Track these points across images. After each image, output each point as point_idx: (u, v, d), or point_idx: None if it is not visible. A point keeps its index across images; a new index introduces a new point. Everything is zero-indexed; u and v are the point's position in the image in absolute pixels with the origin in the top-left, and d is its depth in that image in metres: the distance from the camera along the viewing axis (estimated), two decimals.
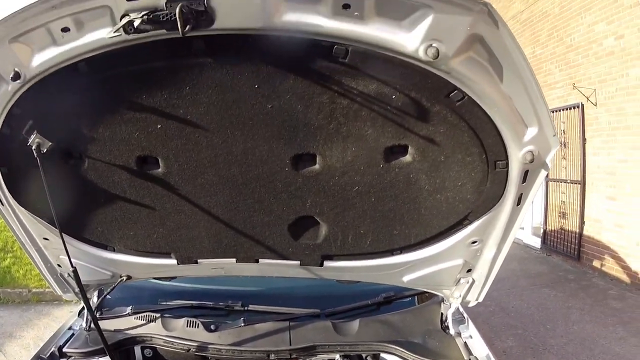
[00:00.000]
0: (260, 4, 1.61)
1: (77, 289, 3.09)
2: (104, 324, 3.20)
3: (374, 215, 2.47)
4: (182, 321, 3.24)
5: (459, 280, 2.91)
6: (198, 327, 3.19)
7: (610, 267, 8.37)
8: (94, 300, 3.38)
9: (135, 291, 3.58)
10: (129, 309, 3.36)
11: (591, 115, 8.89)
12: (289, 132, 2.07)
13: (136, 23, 1.62)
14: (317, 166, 2.24)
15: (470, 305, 3.12)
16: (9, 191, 2.45)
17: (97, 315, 3.24)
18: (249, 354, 3.04)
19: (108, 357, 2.98)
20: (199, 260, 2.87)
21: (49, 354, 2.98)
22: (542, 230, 10.65)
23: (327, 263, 2.82)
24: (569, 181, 9.54)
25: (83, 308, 3.43)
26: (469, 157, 2.12)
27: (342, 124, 2.02)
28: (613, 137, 8.32)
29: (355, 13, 1.61)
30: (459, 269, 2.79)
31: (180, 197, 2.44)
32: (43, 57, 1.85)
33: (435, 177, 2.23)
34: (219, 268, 2.97)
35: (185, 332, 3.17)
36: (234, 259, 2.83)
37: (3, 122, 2.10)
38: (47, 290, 8.31)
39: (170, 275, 3.18)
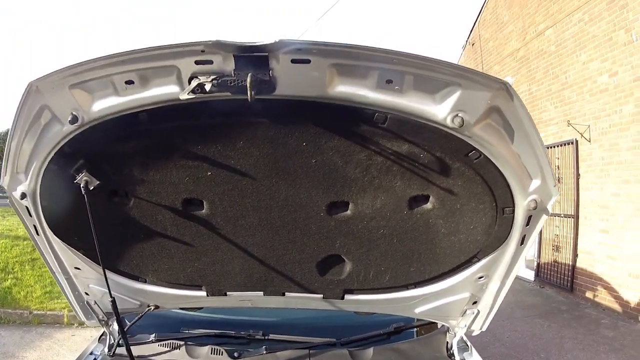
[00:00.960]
0: (318, 76, 1.83)
1: (100, 316, 3.21)
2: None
3: (395, 255, 2.69)
4: (206, 349, 3.33)
5: (465, 311, 3.10)
6: (222, 354, 3.28)
7: (603, 297, 8.50)
8: (115, 327, 3.41)
9: (156, 319, 3.60)
10: (152, 337, 3.42)
11: (585, 151, 9.09)
12: (328, 182, 2.29)
13: (207, 86, 1.80)
14: (348, 212, 2.46)
15: (474, 334, 3.30)
16: (47, 223, 2.54)
17: (120, 342, 3.26)
18: None
19: None
20: (228, 293, 3.02)
21: None
22: (535, 263, 10.79)
23: (347, 296, 3.01)
24: (562, 215, 9.72)
25: (103, 334, 3.52)
26: (481, 205, 2.36)
27: (375, 177, 2.26)
28: (606, 172, 8.50)
29: (396, 87, 1.87)
30: (465, 301, 2.99)
31: (220, 236, 2.61)
32: (103, 105, 2.00)
33: (451, 222, 2.48)
34: (246, 300, 3.11)
35: (209, 359, 3.27)
36: (262, 292, 2.99)
37: (51, 159, 2.22)
38: (48, 312, 8.37)
39: (198, 306, 3.30)
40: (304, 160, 2.18)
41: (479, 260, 2.68)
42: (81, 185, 2.24)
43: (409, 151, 2.13)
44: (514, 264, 2.68)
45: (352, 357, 3.31)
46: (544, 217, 2.39)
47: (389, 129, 2.02)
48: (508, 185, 2.24)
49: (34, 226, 2.56)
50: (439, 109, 1.93)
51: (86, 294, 3.05)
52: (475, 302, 3.01)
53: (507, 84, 1.87)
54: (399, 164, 2.19)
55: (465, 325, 3.21)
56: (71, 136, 2.11)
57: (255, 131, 2.08)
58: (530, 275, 11.04)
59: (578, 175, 9.18)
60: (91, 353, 3.41)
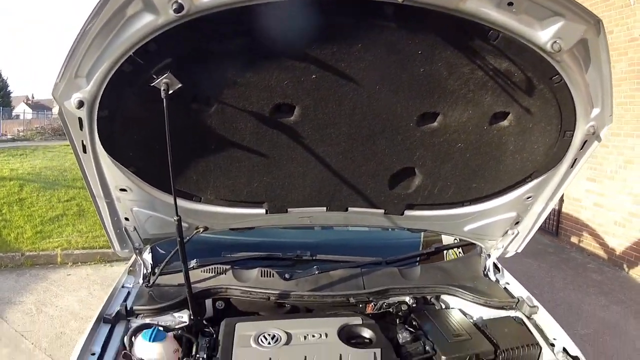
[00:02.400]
0: None
1: (136, 244, 3.11)
2: (165, 279, 3.24)
3: (463, 170, 2.80)
4: (255, 272, 3.28)
5: (506, 232, 3.28)
6: (273, 276, 3.25)
7: (588, 243, 8.76)
8: (148, 257, 3.37)
9: (192, 245, 3.26)
10: (193, 263, 3.31)
11: None
12: (427, 93, 2.35)
13: None
14: (435, 123, 2.54)
15: (508, 255, 3.51)
16: (99, 137, 2.33)
17: (156, 271, 3.25)
18: (330, 299, 3.17)
19: (178, 313, 2.99)
20: (289, 209, 2.97)
21: (115, 313, 2.90)
22: None
23: (407, 212, 3.08)
24: None
25: (132, 265, 3.46)
26: (549, 126, 2.52)
27: (471, 91, 2.35)
28: None
29: (514, 10, 1.98)
30: (510, 221, 3.16)
31: (301, 145, 2.56)
32: None
33: (520, 140, 2.62)
34: (305, 217, 3.08)
35: (259, 282, 3.21)
36: (325, 208, 2.99)
37: (128, 58, 2.00)
38: (40, 253, 8.30)
39: (252, 226, 3.19)
40: (414, 68, 2.22)
41: (532, 180, 2.84)
42: (161, 89, 2.06)
43: (507, 69, 2.26)
44: (560, 186, 2.87)
45: (402, 275, 3.43)
46: (596, 144, 2.60)
47: (497, 47, 2.13)
48: (575, 110, 2.44)
49: (82, 142, 2.34)
50: (543, 34, 2.08)
51: (126, 219, 2.93)
52: (517, 223, 3.18)
53: (601, 21, 2.08)
54: (494, 80, 2.31)
55: (503, 247, 3.40)
56: (164, 30, 1.91)
57: (377, 35, 2.07)
58: None
59: None
60: (123, 286, 3.30)
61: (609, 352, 5.39)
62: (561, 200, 9.48)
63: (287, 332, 2.71)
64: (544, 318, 3.16)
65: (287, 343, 2.65)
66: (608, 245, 8.29)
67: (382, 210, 3.05)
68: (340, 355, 2.56)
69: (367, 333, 2.83)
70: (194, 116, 2.37)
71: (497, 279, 3.58)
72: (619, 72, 8.20)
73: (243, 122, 2.41)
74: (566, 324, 5.93)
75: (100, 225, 2.99)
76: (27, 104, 58.61)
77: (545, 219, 9.22)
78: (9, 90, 55.51)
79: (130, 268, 3.48)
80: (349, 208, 3.01)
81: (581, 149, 2.62)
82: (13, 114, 45.26)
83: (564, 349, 2.81)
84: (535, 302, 3.26)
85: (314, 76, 2.20)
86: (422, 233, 4.09)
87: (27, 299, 6.83)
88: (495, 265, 3.68)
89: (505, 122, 2.55)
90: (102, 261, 8.38)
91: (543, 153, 2.67)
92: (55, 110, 2.21)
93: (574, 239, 9.15)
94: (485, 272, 3.64)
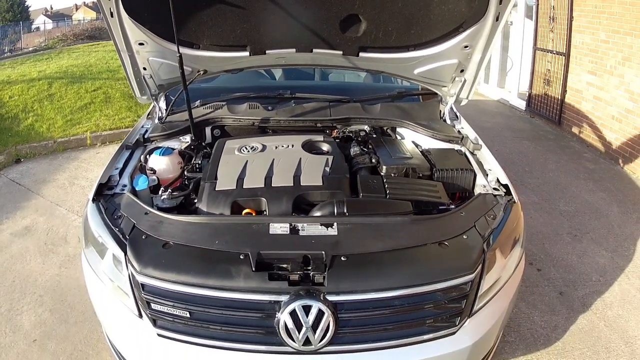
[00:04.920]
0: None
1: (152, 90, 3.88)
2: (176, 117, 4.08)
3: (399, 17, 3.36)
4: (244, 105, 4.12)
5: (454, 79, 3.83)
6: (258, 108, 4.07)
7: (587, 134, 9.03)
8: (162, 105, 4.14)
9: (198, 92, 4.34)
10: (197, 102, 4.16)
11: None
12: None
13: None
14: None
15: (462, 104, 4.05)
16: (123, 3, 3.08)
17: (169, 111, 4.08)
18: (301, 123, 3.98)
19: (183, 136, 3.85)
20: (267, 51, 3.63)
21: (134, 141, 3.73)
22: (527, 94, 11.23)
23: (362, 54, 3.67)
24: (554, 52, 10.03)
25: (149, 113, 4.27)
26: None
27: None
28: (598, 19, 8.71)
29: None
30: (454, 67, 3.70)
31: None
32: None
33: None
34: (280, 58, 3.74)
35: (248, 112, 4.04)
36: (294, 49, 3.62)
37: None
38: (71, 138, 8.86)
39: (240, 67, 3.90)
40: None
41: (464, 30, 3.36)
42: None
43: None
44: (492, 37, 3.37)
45: (364, 109, 4.12)
46: (512, 1, 3.06)
47: None
48: None
49: (110, 9, 3.09)
50: None
51: (144, 69, 3.65)
52: (462, 71, 3.72)
53: None
54: None
55: (454, 93, 3.93)
56: None
57: None
58: (521, 105, 11.57)
59: (572, 17, 9.38)
60: (142, 127, 4.08)
61: (586, 229, 5.77)
62: (564, 90, 9.74)
63: (263, 144, 3.47)
64: (485, 155, 3.69)
65: (262, 151, 3.39)
66: (605, 138, 8.53)
67: (341, 52, 3.66)
68: (300, 158, 3.27)
69: (325, 147, 3.58)
70: None
71: (453, 124, 4.15)
72: None
73: None
74: (548, 199, 6.54)
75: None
76: (46, 15, 58.40)
77: (549, 107, 9.48)
78: (27, 5, 55.24)
79: (149, 116, 4.29)
80: (314, 49, 3.63)
81: (500, 3, 3.09)
82: (32, 27, 45.02)
83: (497, 179, 3.33)
84: (481, 142, 3.79)
85: None
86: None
87: (60, 176, 7.43)
88: (455, 114, 4.28)
89: None
90: None
91: (466, 5, 3.19)
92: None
93: (575, 130, 9.41)
94: (442, 117, 4.24)
